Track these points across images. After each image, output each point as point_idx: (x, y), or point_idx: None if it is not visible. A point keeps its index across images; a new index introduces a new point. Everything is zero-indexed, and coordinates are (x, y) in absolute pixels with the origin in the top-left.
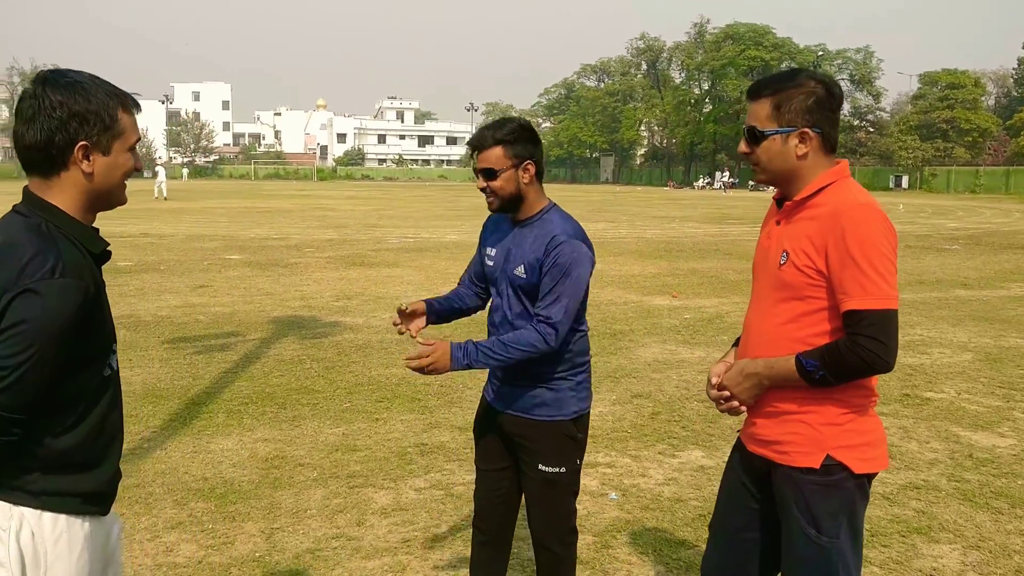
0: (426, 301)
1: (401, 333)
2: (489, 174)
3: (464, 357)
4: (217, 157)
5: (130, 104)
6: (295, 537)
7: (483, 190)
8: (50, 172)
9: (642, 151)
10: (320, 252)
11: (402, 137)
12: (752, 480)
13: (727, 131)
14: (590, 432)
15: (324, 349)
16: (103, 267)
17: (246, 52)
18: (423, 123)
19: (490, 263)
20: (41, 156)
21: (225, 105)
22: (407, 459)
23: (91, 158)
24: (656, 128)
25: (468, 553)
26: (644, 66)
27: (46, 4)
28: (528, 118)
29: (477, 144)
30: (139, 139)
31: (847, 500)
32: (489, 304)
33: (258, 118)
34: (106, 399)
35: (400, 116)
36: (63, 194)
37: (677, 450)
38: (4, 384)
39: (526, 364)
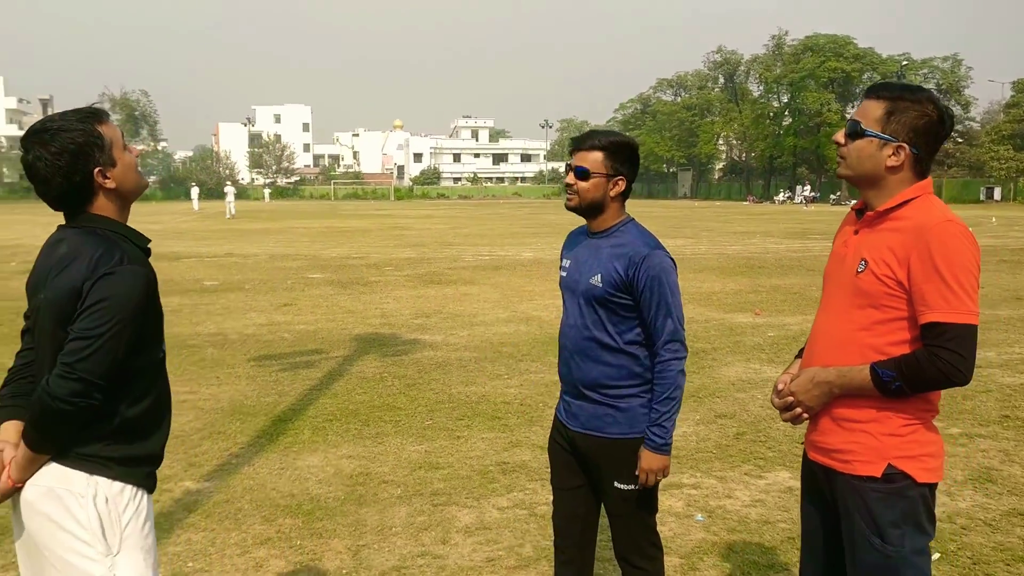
0: None
1: None
2: (581, 173)
3: (660, 438)
4: (298, 178)
5: (101, 116)
6: (381, 555)
7: (569, 186)
8: (87, 203)
9: (720, 165)
10: (399, 270)
11: (477, 155)
12: (815, 487)
13: (807, 144)
14: (674, 452)
15: (405, 367)
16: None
17: (326, 74)
18: (497, 141)
19: (563, 273)
20: (75, 198)
21: (305, 127)
22: (489, 477)
23: (108, 175)
24: (734, 142)
25: (553, 574)
26: (721, 79)
27: (134, 31)
28: None
29: (582, 142)
30: (123, 133)
31: (911, 509)
32: (560, 324)
33: (337, 139)
34: (163, 375)
35: (475, 135)
36: (101, 210)
37: (763, 471)
38: (89, 352)
39: (598, 382)
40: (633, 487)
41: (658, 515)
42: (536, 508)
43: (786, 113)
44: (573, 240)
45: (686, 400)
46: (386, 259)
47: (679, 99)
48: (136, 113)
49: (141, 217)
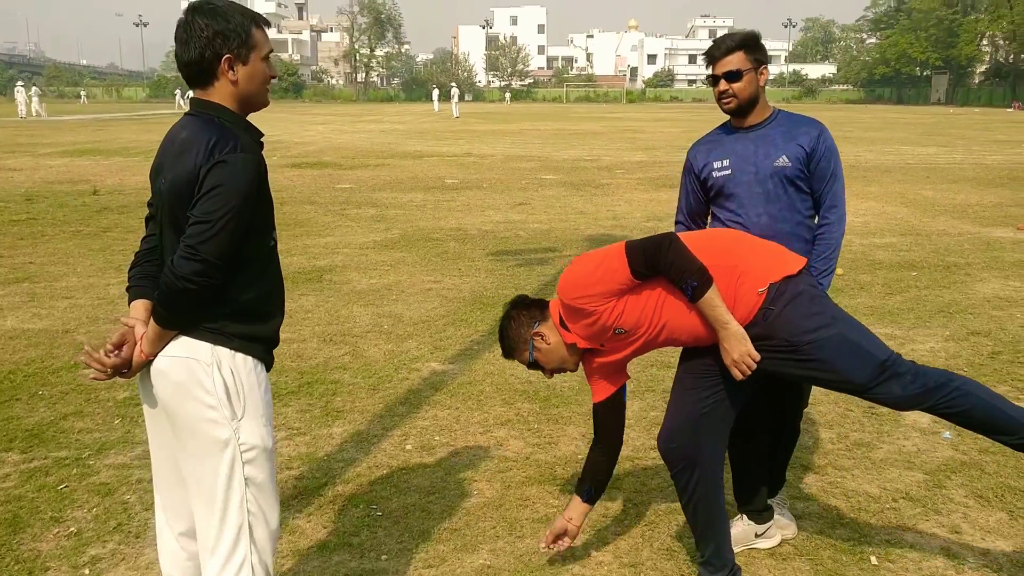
0: None
1: None
2: (733, 76)
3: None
4: (531, 80)
5: (261, 22)
6: None
7: (723, 93)
8: (206, 83)
9: (982, 69)
10: (630, 174)
11: None
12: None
13: None
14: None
15: None
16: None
17: None
18: None
19: (725, 172)
20: (197, 70)
21: (540, 29)
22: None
23: (235, 68)
24: (1001, 42)
25: None
26: None
27: None
28: (852, 33)
29: (717, 50)
30: (271, 50)
31: (808, 294)
32: (736, 222)
33: (571, 41)
34: (274, 264)
35: (712, 35)
36: (220, 98)
37: (1023, 394)
38: (210, 234)
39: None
40: None
41: (901, 430)
42: None
43: None
44: (714, 143)
45: (935, 314)
46: (618, 162)
47: None
48: (382, 16)
49: (387, 116)
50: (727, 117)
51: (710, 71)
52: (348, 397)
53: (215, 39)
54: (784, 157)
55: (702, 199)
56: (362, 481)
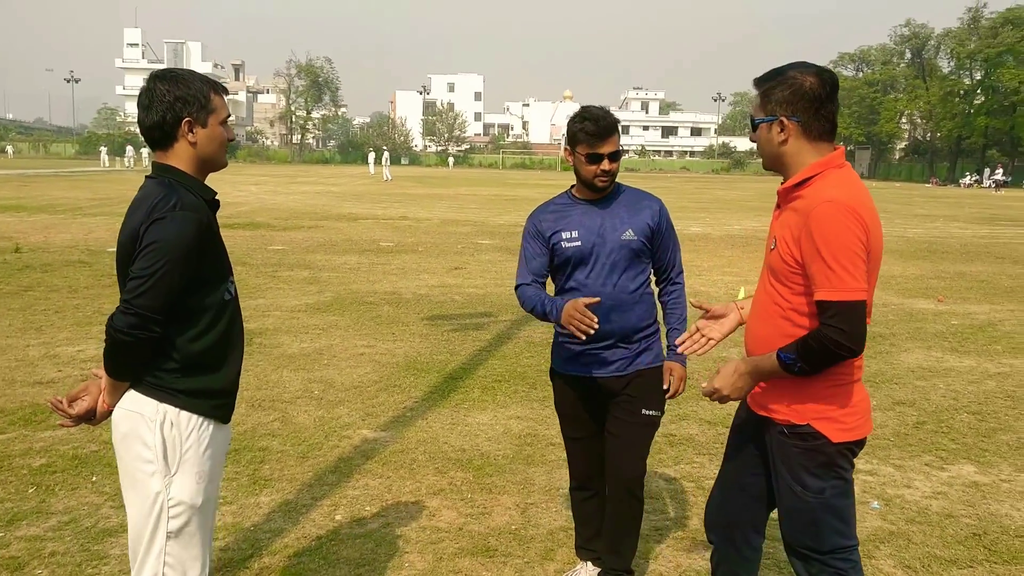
0: None
1: None
2: (616, 156)
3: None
4: (468, 146)
5: (219, 88)
6: (549, 514)
7: (605, 172)
8: (167, 145)
9: (901, 145)
10: None
11: (645, 128)
12: (752, 431)
13: (1000, 125)
14: None
15: None
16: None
17: (499, 44)
18: (667, 114)
19: (575, 243)
20: (159, 134)
21: (477, 96)
22: (655, 449)
23: (194, 131)
24: (918, 120)
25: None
26: (908, 55)
27: (322, 6)
28: None
29: (609, 129)
30: (229, 115)
31: (829, 462)
32: (582, 289)
33: (507, 109)
34: (227, 317)
35: (644, 107)
36: (178, 160)
37: (946, 463)
38: (143, 289)
39: (637, 327)
40: (657, 413)
41: None
42: (703, 482)
43: (978, 91)
44: (559, 214)
45: None
46: None
47: (861, 75)
48: (319, 79)
49: (323, 178)
50: (566, 188)
51: (592, 150)
52: (276, 465)
53: (176, 103)
54: (630, 231)
55: (547, 264)
56: (289, 552)
